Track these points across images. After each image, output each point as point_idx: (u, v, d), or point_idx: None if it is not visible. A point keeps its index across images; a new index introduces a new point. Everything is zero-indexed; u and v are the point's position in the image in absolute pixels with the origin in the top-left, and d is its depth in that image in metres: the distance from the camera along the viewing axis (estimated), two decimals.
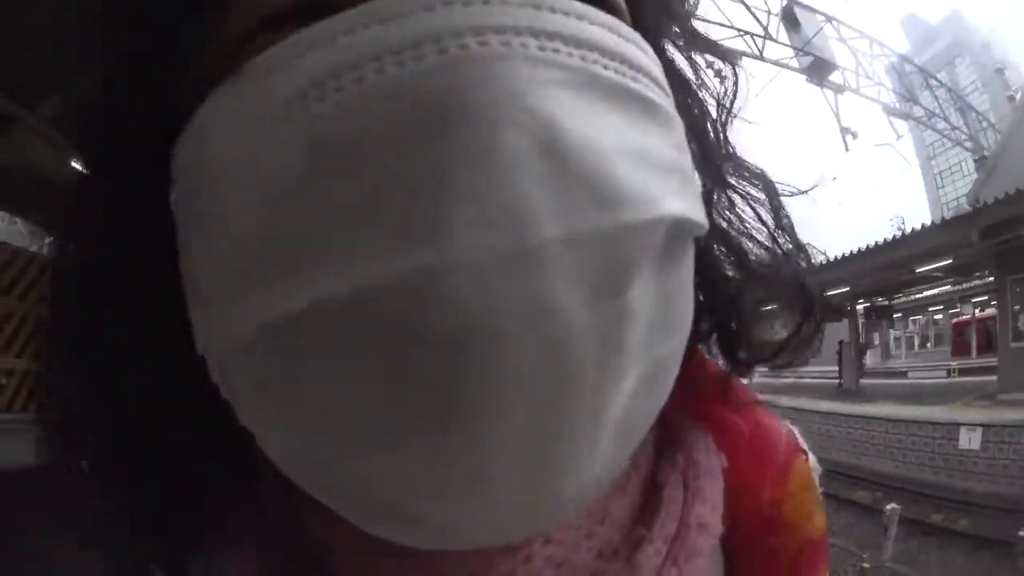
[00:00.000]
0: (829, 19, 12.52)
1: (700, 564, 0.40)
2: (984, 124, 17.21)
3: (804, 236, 0.48)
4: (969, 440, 9.58)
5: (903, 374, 19.86)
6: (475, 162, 0.23)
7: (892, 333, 26.65)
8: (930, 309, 24.37)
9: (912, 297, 21.86)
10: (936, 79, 15.30)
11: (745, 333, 0.47)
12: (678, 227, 0.29)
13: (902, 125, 14.64)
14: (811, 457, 0.52)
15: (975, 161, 15.88)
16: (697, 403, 0.47)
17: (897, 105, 13.56)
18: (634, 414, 0.30)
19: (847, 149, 12.77)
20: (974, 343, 18.69)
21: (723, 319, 0.46)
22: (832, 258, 14.32)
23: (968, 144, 16.07)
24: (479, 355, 0.24)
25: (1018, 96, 14.44)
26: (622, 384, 0.28)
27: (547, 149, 0.23)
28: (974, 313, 19.64)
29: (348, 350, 0.25)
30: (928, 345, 26.11)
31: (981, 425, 9.56)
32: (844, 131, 12.38)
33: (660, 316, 0.29)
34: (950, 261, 13.56)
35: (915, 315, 25.99)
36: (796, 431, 0.52)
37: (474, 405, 0.24)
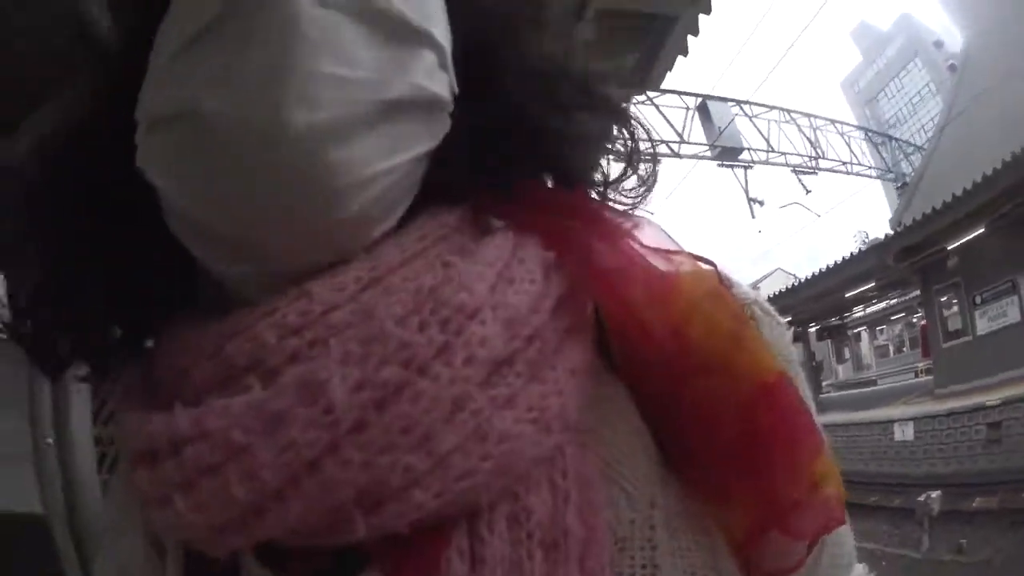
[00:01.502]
0: (739, 103, 14.44)
1: (474, 332, 0.36)
2: (911, 150, 19.00)
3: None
4: (903, 432, 11.08)
5: (873, 382, 21.10)
6: None
7: (865, 344, 28.32)
8: (893, 318, 25.84)
9: (869, 311, 23.41)
10: (851, 125, 17.25)
11: (561, 142, 0.47)
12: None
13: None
14: (737, 283, 0.47)
15: (896, 189, 17.67)
16: (525, 213, 0.45)
17: (808, 163, 15.53)
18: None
19: (753, 216, 14.67)
20: None
21: (543, 143, 0.46)
22: (772, 294, 16.08)
23: (889, 176, 17.81)
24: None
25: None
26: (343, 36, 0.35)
27: None
28: None
29: None
30: (904, 349, 27.37)
31: (912, 419, 11.07)
32: (751, 201, 14.29)
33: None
34: (873, 284, 15.32)
35: (880, 325, 27.49)
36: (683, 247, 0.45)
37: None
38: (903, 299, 21.13)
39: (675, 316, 0.41)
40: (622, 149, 0.49)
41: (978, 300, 11.87)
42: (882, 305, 22.55)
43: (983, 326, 11.79)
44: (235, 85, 0.34)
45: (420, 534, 0.35)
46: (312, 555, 0.37)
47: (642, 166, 0.50)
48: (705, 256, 0.44)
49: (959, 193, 10.76)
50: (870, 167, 17.18)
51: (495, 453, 0.35)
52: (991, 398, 9.77)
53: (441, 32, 0.41)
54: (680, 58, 3.43)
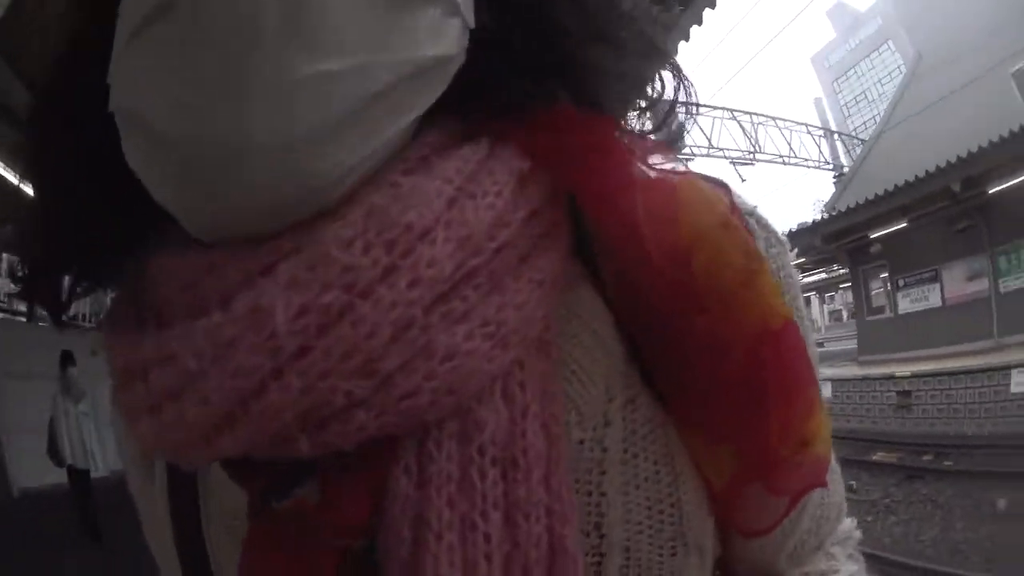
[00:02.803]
0: (686, 105, 15.78)
1: (422, 253, 0.33)
2: (856, 142, 20.45)
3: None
4: (822, 391, 12.60)
5: (820, 344, 22.31)
6: None
7: (815, 308, 30.23)
8: (842, 286, 27.62)
9: (813, 279, 25.20)
10: (793, 121, 18.59)
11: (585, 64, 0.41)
12: None
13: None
14: (738, 195, 0.41)
15: (834, 178, 19.00)
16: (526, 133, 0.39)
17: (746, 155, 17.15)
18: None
19: None
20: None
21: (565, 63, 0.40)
22: None
23: (827, 167, 19.20)
24: None
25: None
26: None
27: None
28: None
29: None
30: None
31: (830, 380, 12.57)
32: None
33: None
34: (803, 260, 16.77)
35: (830, 292, 29.33)
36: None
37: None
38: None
39: (679, 242, 0.37)
40: (654, 92, 0.45)
41: (901, 283, 13.36)
42: (823, 275, 24.32)
43: (904, 306, 13.31)
44: (186, 96, 0.31)
45: (368, 451, 0.34)
46: (273, 466, 0.36)
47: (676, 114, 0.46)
48: (716, 177, 0.41)
49: (891, 188, 12.30)
50: (806, 159, 18.78)
51: (440, 371, 0.33)
52: (902, 370, 11.29)
53: None
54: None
